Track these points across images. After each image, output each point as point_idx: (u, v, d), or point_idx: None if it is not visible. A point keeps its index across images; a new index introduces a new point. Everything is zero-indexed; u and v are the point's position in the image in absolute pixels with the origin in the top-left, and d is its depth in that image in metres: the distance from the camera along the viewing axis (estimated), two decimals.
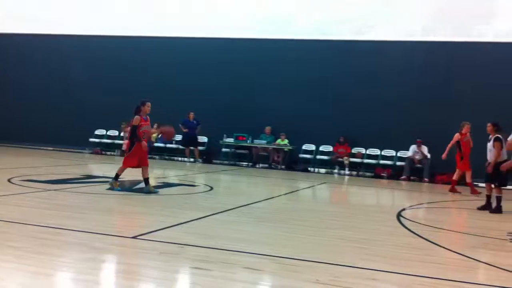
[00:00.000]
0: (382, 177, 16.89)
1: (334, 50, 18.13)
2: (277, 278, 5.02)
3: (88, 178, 12.05)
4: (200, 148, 19.12)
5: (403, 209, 9.85)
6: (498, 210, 9.85)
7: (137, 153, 9.62)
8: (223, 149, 19.20)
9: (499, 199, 9.91)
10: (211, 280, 4.73)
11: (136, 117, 9.62)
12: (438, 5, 17.31)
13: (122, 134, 19.98)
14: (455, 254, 6.35)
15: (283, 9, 18.81)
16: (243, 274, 5.04)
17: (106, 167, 15.00)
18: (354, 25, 18.05)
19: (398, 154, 17.48)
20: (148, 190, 9.72)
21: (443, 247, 6.64)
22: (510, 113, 14.13)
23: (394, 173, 16.95)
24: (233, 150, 19.14)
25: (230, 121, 18.54)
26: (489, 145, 10.11)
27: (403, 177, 16.65)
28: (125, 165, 9.82)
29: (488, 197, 10.11)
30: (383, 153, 17.71)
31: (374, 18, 17.85)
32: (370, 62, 17.59)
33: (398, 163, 17.28)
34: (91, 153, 20.00)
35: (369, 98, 17.47)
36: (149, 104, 9.70)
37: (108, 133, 20.74)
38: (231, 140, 18.75)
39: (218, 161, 18.76)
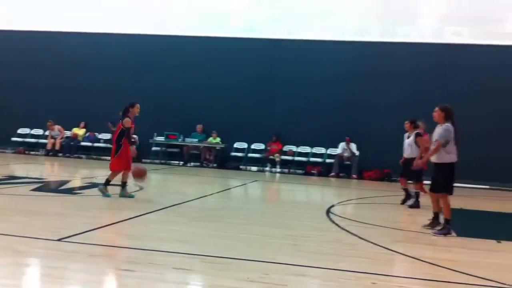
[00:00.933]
0: (312, 174, 17.24)
1: (264, 49, 18.32)
2: (207, 277, 5.02)
3: (11, 179, 11.55)
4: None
5: (332, 206, 10.10)
6: (416, 205, 10.25)
7: (124, 155, 9.34)
8: (153, 148, 18.94)
9: (417, 195, 10.34)
10: (139, 282, 4.66)
11: (127, 119, 9.28)
12: (370, 6, 17.78)
13: (47, 133, 19.30)
14: (381, 248, 6.58)
15: (218, 7, 18.74)
16: (172, 274, 4.99)
17: (30, 167, 14.42)
18: (284, 25, 18.27)
19: (328, 152, 17.88)
20: (123, 194, 9.42)
21: (370, 242, 6.86)
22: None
23: (324, 170, 17.33)
24: (163, 148, 18.92)
25: (161, 119, 18.31)
26: (407, 142, 10.49)
27: (332, 174, 17.06)
28: (114, 169, 9.42)
29: (406, 191, 10.54)
30: (313, 150, 18.07)
31: (306, 18, 18.13)
32: (301, 62, 17.89)
33: (328, 161, 17.68)
34: (13, 152, 19.16)
35: (301, 97, 17.76)
36: (137, 105, 9.40)
37: (32, 132, 19.95)
38: (161, 138, 18.53)
39: (148, 160, 18.49)
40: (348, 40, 17.79)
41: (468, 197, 13.47)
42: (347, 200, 11.66)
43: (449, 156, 7.61)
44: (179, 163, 18.42)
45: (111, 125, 17.97)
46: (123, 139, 9.30)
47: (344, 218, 8.81)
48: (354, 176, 16.87)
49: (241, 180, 14.53)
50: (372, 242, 6.83)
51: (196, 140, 18.46)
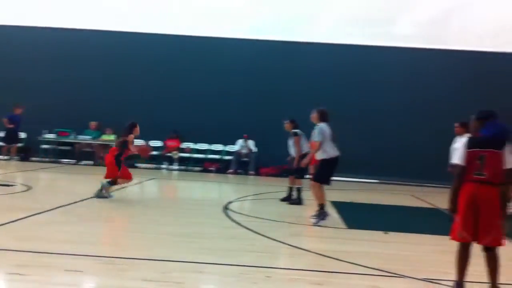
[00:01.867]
0: (210, 171, 17.34)
1: (160, 44, 18.09)
2: (102, 279, 4.93)
3: None
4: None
5: (230, 202, 10.25)
6: (299, 201, 10.62)
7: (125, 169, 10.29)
8: (43, 146, 18.10)
9: (299, 190, 10.68)
10: (29, 286, 4.49)
11: (131, 135, 10.31)
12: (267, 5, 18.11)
13: None
14: (277, 242, 6.81)
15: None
16: (65, 277, 4.86)
17: None
18: (185, 21, 18.12)
19: (226, 149, 18.07)
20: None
21: (266, 236, 7.08)
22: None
23: (222, 167, 17.49)
24: (54, 146, 18.13)
25: (51, 115, 17.52)
26: (291, 141, 10.83)
27: (230, 170, 17.27)
28: (128, 177, 10.30)
29: (290, 189, 10.87)
30: (211, 147, 18.17)
31: (214, 15, 18.06)
32: (202, 58, 17.83)
33: (226, 157, 17.87)
34: None
35: (199, 94, 17.76)
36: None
37: None
38: (52, 135, 17.74)
39: (37, 159, 17.63)
40: (247, 38, 17.98)
41: (358, 191, 14.25)
42: (244, 196, 11.87)
43: (327, 153, 8.31)
44: (71, 162, 17.74)
45: (7, 122, 16.97)
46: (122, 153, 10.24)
47: (242, 214, 8.99)
48: (251, 172, 17.20)
49: (137, 178, 14.27)
50: (268, 237, 7.04)
51: (90, 137, 17.88)
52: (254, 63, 17.78)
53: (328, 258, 6.07)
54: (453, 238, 4.87)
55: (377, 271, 5.62)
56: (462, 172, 4.84)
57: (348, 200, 11.71)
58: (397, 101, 17.11)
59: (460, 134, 9.42)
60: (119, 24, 18.07)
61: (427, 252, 6.90)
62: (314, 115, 8.68)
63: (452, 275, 4.89)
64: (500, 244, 4.70)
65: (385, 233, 7.84)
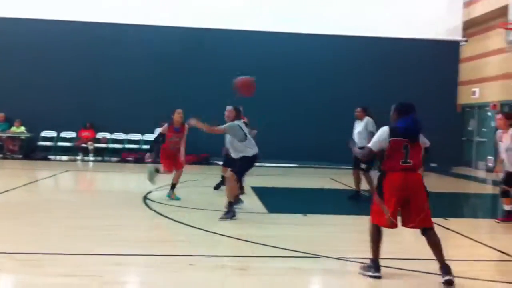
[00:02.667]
0: (128, 161, 17.02)
1: (72, 33, 17.39)
2: (17, 276, 4.77)
3: None
4: None
5: (150, 192, 10.14)
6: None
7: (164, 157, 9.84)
8: None
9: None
10: None
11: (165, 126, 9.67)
12: None
13: None
14: (199, 230, 6.83)
15: None
16: None
17: None
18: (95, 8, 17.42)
19: (144, 138, 17.77)
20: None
21: (188, 225, 7.08)
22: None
23: (140, 157, 17.20)
24: None
25: None
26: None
27: (148, 159, 16.98)
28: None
29: (223, 177, 10.90)
30: (128, 137, 17.82)
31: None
32: (114, 45, 17.34)
33: (144, 147, 17.58)
34: None
35: (114, 82, 17.32)
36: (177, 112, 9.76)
37: None
38: None
39: None
40: (154, 24, 17.50)
41: (279, 175, 14.53)
42: (165, 186, 11.77)
43: (250, 150, 7.97)
44: None
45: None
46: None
47: (162, 204, 8.92)
48: None
49: (51, 171, 13.78)
50: (190, 225, 7.05)
51: None
52: (165, 50, 17.45)
53: (251, 243, 6.17)
54: (378, 223, 5.04)
55: (298, 253, 5.79)
56: (371, 157, 5.08)
57: (269, 185, 11.92)
58: (314, 87, 17.50)
59: (361, 118, 9.85)
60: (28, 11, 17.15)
61: (344, 232, 7.18)
62: (228, 112, 8.28)
63: (368, 253, 5.13)
64: (431, 225, 4.99)
65: (304, 215, 8.07)
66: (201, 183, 11.74)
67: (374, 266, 5.04)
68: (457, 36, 18.04)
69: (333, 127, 16.80)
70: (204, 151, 16.87)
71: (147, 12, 17.40)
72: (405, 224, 5.03)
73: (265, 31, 17.49)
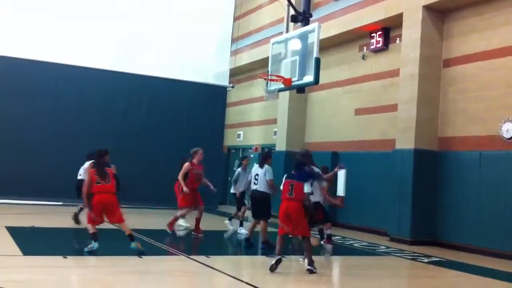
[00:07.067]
0: None
1: None
2: None
3: None
4: None
5: None
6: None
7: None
8: None
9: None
10: None
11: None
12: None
13: None
14: None
15: None
16: None
17: None
18: None
19: None
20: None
21: None
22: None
23: None
24: None
25: None
26: None
27: None
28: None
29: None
30: None
31: None
32: None
33: None
34: None
35: None
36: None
37: None
38: None
39: None
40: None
41: (39, 214, 13.79)
42: None
43: None
44: None
45: None
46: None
47: None
48: None
49: None
50: None
51: None
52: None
53: None
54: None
55: None
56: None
57: (27, 225, 11.28)
58: (89, 121, 16.79)
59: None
60: None
61: (102, 274, 7.22)
62: None
63: None
64: (307, 235, 7.83)
65: (64, 257, 7.85)
66: None
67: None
68: (225, 81, 19.34)
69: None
70: None
71: None
72: (291, 233, 8.05)
73: None
